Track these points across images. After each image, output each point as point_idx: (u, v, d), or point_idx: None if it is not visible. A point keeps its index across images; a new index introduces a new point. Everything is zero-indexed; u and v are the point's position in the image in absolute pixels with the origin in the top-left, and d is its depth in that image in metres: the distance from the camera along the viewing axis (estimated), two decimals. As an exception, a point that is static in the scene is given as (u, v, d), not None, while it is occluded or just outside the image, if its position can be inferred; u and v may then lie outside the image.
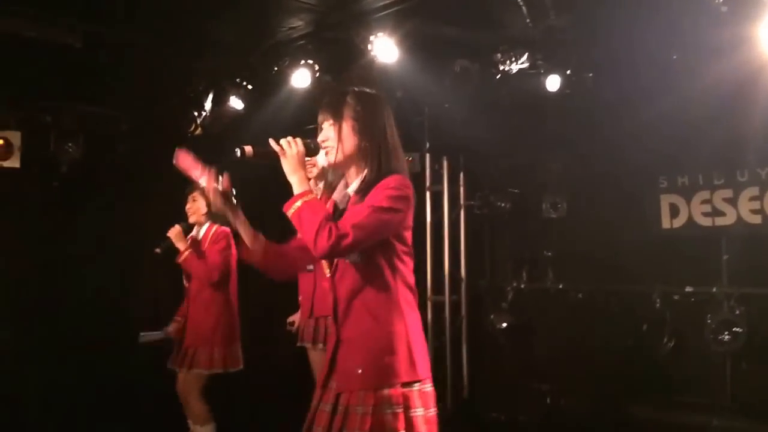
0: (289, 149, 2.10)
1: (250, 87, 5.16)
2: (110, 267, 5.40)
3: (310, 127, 2.30)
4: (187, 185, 4.16)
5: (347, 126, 2.11)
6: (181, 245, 4.13)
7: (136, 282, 5.61)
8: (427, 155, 5.75)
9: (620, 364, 5.22)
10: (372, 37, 4.36)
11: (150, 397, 4.89)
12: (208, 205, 4.15)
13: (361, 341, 2.05)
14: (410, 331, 2.08)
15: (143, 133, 5.48)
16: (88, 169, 5.31)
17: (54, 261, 5.21)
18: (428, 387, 2.10)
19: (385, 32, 4.34)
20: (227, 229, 4.17)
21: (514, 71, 4.51)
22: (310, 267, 3.32)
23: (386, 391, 2.00)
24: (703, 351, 4.86)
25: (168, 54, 4.75)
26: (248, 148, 2.09)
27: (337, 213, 2.18)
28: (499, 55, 4.48)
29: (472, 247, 5.91)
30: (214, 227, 4.22)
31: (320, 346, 3.56)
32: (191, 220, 4.24)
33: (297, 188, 2.08)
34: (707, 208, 5.08)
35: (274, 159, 2.11)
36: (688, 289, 5.06)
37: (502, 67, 4.51)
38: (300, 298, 3.73)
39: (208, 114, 5.29)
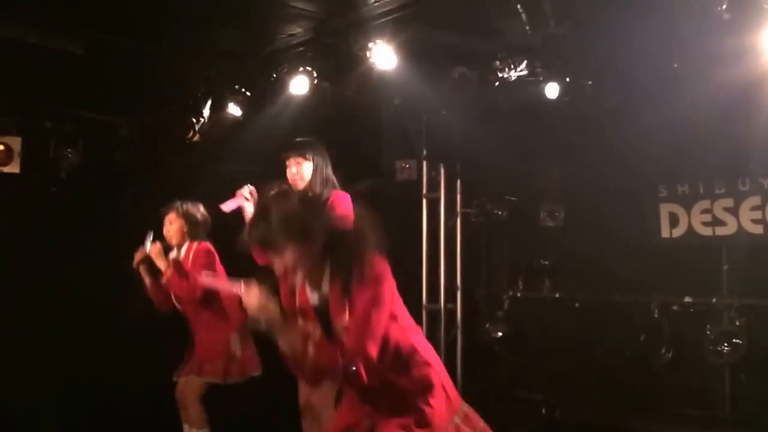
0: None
1: (248, 94, 5.12)
2: (109, 272, 5.27)
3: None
4: (163, 204, 4.10)
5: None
6: (161, 264, 4.04)
7: (136, 287, 5.50)
8: (424, 162, 5.69)
9: (617, 375, 5.12)
10: (370, 44, 4.31)
11: (145, 403, 4.79)
12: (190, 224, 4.08)
13: (401, 404, 2.03)
14: (432, 359, 2.11)
15: (142, 139, 5.46)
16: (87, 174, 5.26)
17: (52, 266, 5.11)
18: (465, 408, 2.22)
19: (383, 39, 4.29)
20: (207, 245, 4.10)
21: (513, 78, 4.46)
22: None
23: None
24: (702, 362, 4.77)
25: (167, 61, 4.71)
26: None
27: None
28: (497, 62, 4.42)
29: (469, 255, 5.84)
30: (195, 245, 4.13)
31: None
32: (170, 241, 4.15)
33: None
34: (707, 217, 4.97)
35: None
36: (688, 299, 4.97)
37: (500, 74, 4.46)
38: None
39: (206, 120, 5.26)
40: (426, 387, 2.02)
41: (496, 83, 4.52)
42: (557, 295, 5.67)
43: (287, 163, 3.46)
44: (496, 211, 5.77)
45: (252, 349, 4.08)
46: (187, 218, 4.08)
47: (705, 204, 4.97)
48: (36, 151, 5.04)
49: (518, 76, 4.48)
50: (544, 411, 5.30)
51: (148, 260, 4.07)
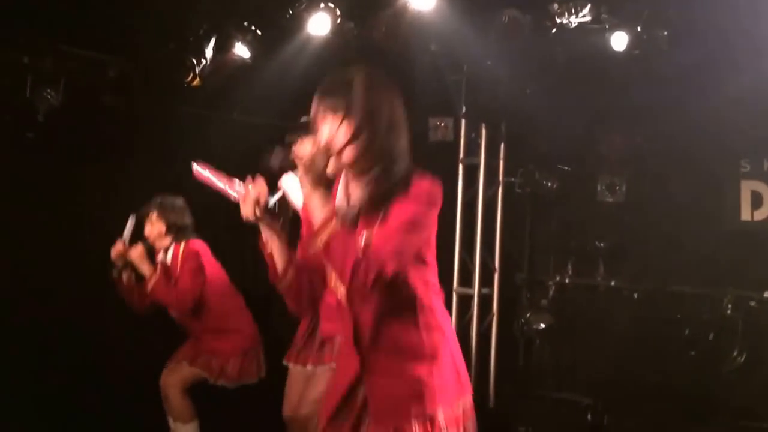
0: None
1: (259, 32, 5.11)
2: (93, 238, 5.34)
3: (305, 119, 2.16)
4: (144, 204, 4.24)
5: (355, 119, 2.00)
6: (145, 269, 4.14)
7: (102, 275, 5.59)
8: (463, 121, 5.69)
9: (679, 379, 5.14)
10: (404, -23, 4.33)
11: (127, 399, 4.88)
12: (173, 226, 4.19)
13: (399, 367, 2.08)
14: (451, 343, 2.15)
15: (133, 82, 5.43)
16: (69, 119, 5.26)
17: (26, 228, 5.16)
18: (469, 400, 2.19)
19: (420, -28, 4.30)
20: (196, 244, 4.20)
21: (573, 25, 4.47)
22: None
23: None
24: (780, 369, 4.79)
25: (164, -10, 4.76)
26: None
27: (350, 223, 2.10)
28: (555, 6, 4.43)
29: (510, 232, 5.86)
30: (182, 246, 4.23)
31: (310, 367, 3.49)
32: (153, 244, 4.27)
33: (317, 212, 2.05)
34: (797, 198, 4.98)
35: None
36: (768, 294, 4.95)
37: (558, 20, 4.45)
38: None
39: (208, 62, 5.22)
40: (433, 355, 2.08)
41: (553, 30, 4.51)
42: (613, 284, 5.66)
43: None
44: (545, 182, 5.75)
45: (258, 356, 4.22)
46: (170, 218, 4.21)
47: (795, 182, 4.98)
48: (9, 91, 5.05)
49: (579, 23, 4.47)
50: (590, 417, 5.27)
51: (127, 263, 4.16)
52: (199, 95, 5.36)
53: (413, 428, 2.03)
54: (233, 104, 5.54)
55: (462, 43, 4.79)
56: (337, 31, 4.74)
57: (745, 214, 5.13)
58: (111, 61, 5.39)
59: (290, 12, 4.80)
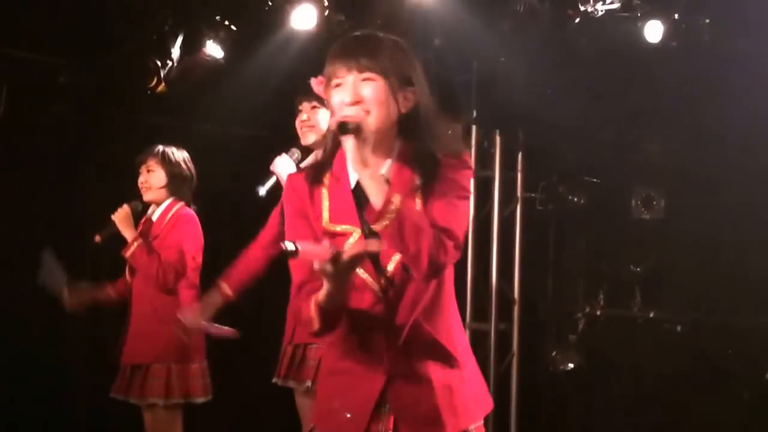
0: None
1: (234, 28, 5.12)
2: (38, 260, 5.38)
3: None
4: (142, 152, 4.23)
5: (388, 83, 2.08)
6: (128, 234, 4.15)
7: (72, 281, 5.60)
8: (473, 128, 5.69)
9: (732, 427, 5.13)
10: (403, -40, 4.39)
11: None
12: (174, 176, 4.20)
13: (431, 374, 2.14)
14: (470, 350, 2.27)
15: (88, 88, 5.42)
16: (12, 133, 5.25)
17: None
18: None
19: (421, -45, 4.36)
20: (191, 212, 4.21)
21: (600, 13, 4.49)
22: None
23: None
24: None
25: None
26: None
27: (364, 202, 2.11)
28: None
29: (531, 256, 5.83)
30: (176, 206, 4.22)
31: (307, 384, 3.56)
32: (146, 197, 4.27)
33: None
34: None
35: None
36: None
37: (583, 8, 4.49)
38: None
39: (175, 64, 5.22)
40: (463, 361, 2.21)
41: (577, 20, 4.53)
42: (652, 315, 5.67)
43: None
44: (570, 197, 5.78)
45: (200, 364, 4.17)
46: (172, 167, 4.21)
47: None
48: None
49: (607, 11, 4.49)
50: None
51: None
52: (165, 103, 5.33)
53: None
54: (205, 113, 5.53)
55: (471, 37, 4.78)
56: (325, 25, 4.74)
57: (810, 232, 5.15)
58: (60, 64, 5.41)
59: (270, 4, 4.80)
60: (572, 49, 4.75)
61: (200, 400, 4.14)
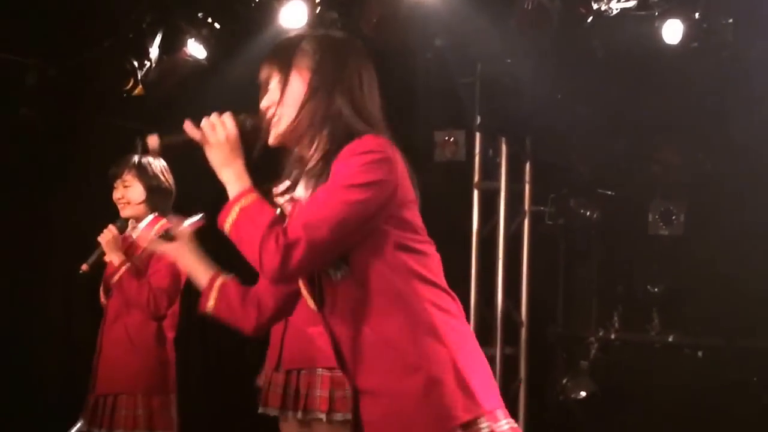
0: (213, 134, 2.15)
1: (217, 26, 5.13)
2: (5, 288, 5.38)
3: None
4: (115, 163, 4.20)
5: (298, 80, 2.18)
6: (115, 257, 4.09)
7: (40, 314, 5.63)
8: (477, 135, 5.68)
9: None
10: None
11: None
12: (152, 189, 4.16)
13: (388, 384, 2.11)
14: (453, 348, 2.11)
15: (59, 91, 5.43)
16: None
17: None
18: (504, 425, 2.11)
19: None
20: None
21: (614, 12, 4.51)
22: None
23: None
24: None
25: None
26: (152, 140, 2.17)
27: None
28: None
29: (540, 275, 5.83)
30: (159, 223, 4.16)
31: (293, 414, 3.57)
32: (124, 214, 4.21)
33: (232, 188, 2.14)
34: None
35: (193, 147, 2.18)
36: None
37: (596, 6, 4.50)
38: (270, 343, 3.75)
39: (153, 65, 5.27)
40: (426, 368, 2.10)
41: (589, 19, 4.54)
42: (670, 339, 5.65)
43: None
44: (582, 211, 5.76)
45: (170, 397, 4.15)
46: (149, 180, 4.17)
47: None
48: None
49: (622, 10, 4.50)
50: None
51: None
52: (142, 107, 5.36)
53: None
54: (185, 118, 5.53)
55: (475, 37, 4.81)
56: (316, 23, 4.74)
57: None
58: (27, 64, 5.41)
59: (257, 0, 4.86)
60: (584, 50, 4.78)
61: None
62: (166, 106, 5.35)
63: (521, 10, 4.54)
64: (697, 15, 4.51)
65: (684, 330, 5.61)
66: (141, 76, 5.26)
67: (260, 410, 3.73)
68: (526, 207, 5.75)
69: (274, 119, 2.17)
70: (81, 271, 4.13)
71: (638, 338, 5.78)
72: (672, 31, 4.54)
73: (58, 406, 5.25)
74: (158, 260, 4.08)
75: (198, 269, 2.37)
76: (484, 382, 2.13)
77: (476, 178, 5.70)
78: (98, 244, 4.09)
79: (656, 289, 5.72)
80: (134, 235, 4.17)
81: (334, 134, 2.14)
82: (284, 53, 2.21)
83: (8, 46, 5.22)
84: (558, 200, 5.79)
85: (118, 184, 4.19)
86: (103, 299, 4.24)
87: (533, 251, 5.75)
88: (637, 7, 4.52)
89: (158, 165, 4.22)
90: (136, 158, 4.18)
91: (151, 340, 4.13)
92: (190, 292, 4.21)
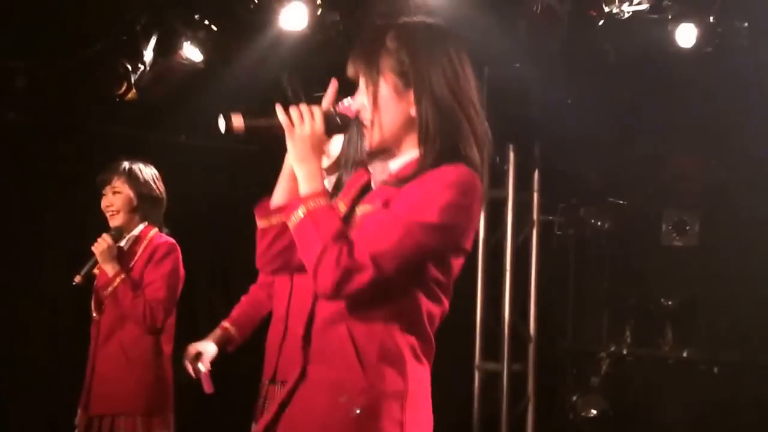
0: (301, 125, 2.12)
1: (214, 28, 5.13)
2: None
3: (318, 94, 2.30)
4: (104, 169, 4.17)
5: (384, 84, 2.14)
6: (110, 268, 4.05)
7: (29, 327, 5.62)
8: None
9: None
10: (405, -47, 4.37)
11: None
12: (143, 197, 4.13)
13: (333, 386, 2.12)
14: (410, 398, 2.12)
15: (49, 94, 5.42)
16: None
17: None
18: None
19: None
20: (170, 239, 4.16)
21: (626, 15, 4.50)
22: None
23: None
24: None
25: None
26: (237, 120, 2.09)
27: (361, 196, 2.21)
28: None
29: (549, 287, 5.84)
30: (151, 233, 4.17)
31: None
32: (114, 223, 4.17)
33: (304, 186, 2.11)
34: None
35: (277, 136, 2.13)
36: None
37: (607, 8, 4.50)
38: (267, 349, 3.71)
39: (147, 68, 5.23)
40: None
41: (600, 22, 4.54)
42: (685, 355, 5.68)
43: None
44: (593, 221, 5.80)
45: (169, 415, 4.14)
46: (140, 187, 4.14)
47: None
48: None
49: (634, 12, 4.50)
50: None
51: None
52: (135, 111, 5.37)
53: None
54: (180, 123, 5.57)
55: (482, 39, 4.66)
56: (317, 25, 4.77)
57: None
58: (16, 67, 5.42)
59: (256, 1, 4.81)
60: (595, 54, 4.79)
61: None
62: (159, 110, 5.39)
63: (530, 13, 4.55)
64: (711, 18, 4.52)
65: (699, 345, 5.64)
66: (134, 80, 5.18)
67: (253, 429, 3.64)
68: (535, 217, 5.74)
69: (366, 124, 2.16)
70: (74, 283, 4.09)
71: (651, 353, 5.80)
72: (685, 35, 4.55)
73: (42, 422, 5.29)
74: (153, 271, 4.07)
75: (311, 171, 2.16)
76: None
77: (483, 187, 5.76)
78: (92, 254, 4.05)
79: (670, 302, 5.75)
80: (125, 246, 4.14)
81: (427, 146, 2.11)
82: (369, 52, 2.16)
83: (1, 49, 5.19)
84: (568, 210, 5.84)
85: (107, 190, 4.15)
86: (95, 314, 4.19)
87: (542, 263, 5.74)
88: (650, 10, 4.51)
89: (149, 172, 4.19)
90: (126, 164, 4.13)
91: (147, 355, 4.09)
92: (184, 303, 4.29)
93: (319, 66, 4.89)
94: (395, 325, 2.11)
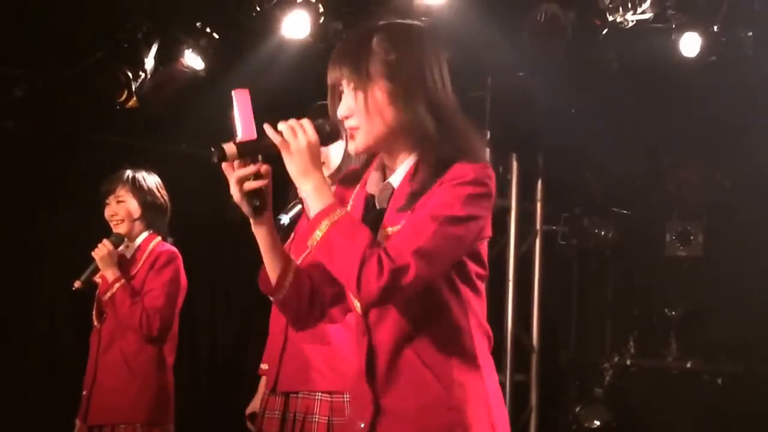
0: (294, 139, 2.08)
1: (216, 36, 5.16)
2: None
3: (322, 102, 2.32)
4: (107, 179, 4.19)
5: (374, 87, 2.10)
6: (110, 273, 4.07)
7: (27, 337, 5.65)
8: (487, 151, 5.58)
9: None
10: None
11: None
12: (147, 206, 4.16)
13: (418, 413, 2.10)
14: (492, 398, 2.14)
15: (49, 103, 5.45)
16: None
17: None
18: None
19: (430, -43, 4.36)
20: (172, 248, 4.18)
21: (630, 24, 4.51)
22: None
23: None
24: None
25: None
26: (229, 148, 2.06)
27: (373, 216, 2.19)
28: None
29: (552, 297, 5.84)
30: (154, 241, 4.20)
31: None
32: (117, 230, 4.20)
33: (315, 201, 2.08)
34: None
35: (272, 153, 2.10)
36: None
37: (611, 18, 4.50)
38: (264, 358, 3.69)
39: (148, 76, 5.26)
40: (459, 408, 2.12)
41: (604, 31, 4.56)
42: (689, 365, 5.67)
43: None
44: (596, 231, 5.79)
45: (170, 426, 4.14)
46: (144, 196, 4.17)
47: None
48: None
49: (638, 21, 4.50)
50: None
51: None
52: (136, 120, 5.39)
53: None
54: (181, 132, 5.60)
55: (485, 49, 4.82)
56: (320, 33, 4.78)
57: None
58: (15, 75, 5.42)
59: (258, 9, 4.81)
60: (599, 63, 4.79)
61: None
62: (160, 119, 5.41)
63: (533, 22, 4.56)
64: (715, 28, 4.53)
65: (703, 356, 5.63)
66: (135, 88, 5.21)
67: None
68: (538, 226, 5.77)
69: (354, 129, 2.13)
70: (74, 288, 4.11)
71: (655, 364, 5.78)
72: (690, 45, 4.56)
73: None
74: (153, 279, 4.08)
75: (273, 247, 2.19)
76: None
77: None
78: (92, 260, 4.06)
79: (674, 313, 5.74)
80: (127, 254, 4.16)
81: (428, 148, 2.11)
82: (354, 56, 2.11)
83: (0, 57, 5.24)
84: (571, 219, 5.84)
85: (111, 199, 4.17)
86: (96, 323, 4.20)
87: (545, 272, 5.76)
88: (654, 20, 4.52)
89: (153, 181, 4.22)
90: (129, 173, 4.16)
91: (149, 364, 4.10)
92: (185, 313, 4.30)
93: (322, 74, 4.92)
94: (456, 329, 2.11)
